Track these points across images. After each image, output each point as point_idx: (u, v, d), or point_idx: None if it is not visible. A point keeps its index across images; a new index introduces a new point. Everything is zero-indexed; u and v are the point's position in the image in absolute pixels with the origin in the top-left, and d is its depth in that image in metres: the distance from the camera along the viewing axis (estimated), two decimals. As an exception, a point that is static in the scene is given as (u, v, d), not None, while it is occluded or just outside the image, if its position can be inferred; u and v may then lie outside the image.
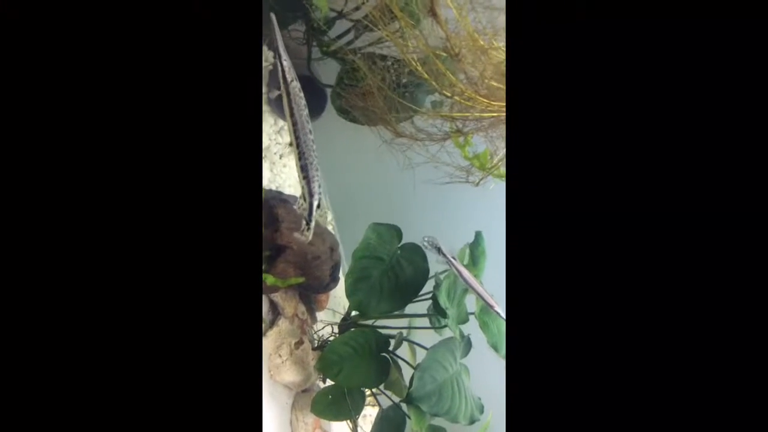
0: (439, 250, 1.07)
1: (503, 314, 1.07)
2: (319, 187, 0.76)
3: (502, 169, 0.85)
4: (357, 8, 0.92)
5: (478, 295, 1.06)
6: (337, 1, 0.93)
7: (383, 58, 0.88)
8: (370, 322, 1.21)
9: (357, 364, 1.06)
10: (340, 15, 0.97)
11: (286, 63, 0.72)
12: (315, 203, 0.76)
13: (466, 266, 1.06)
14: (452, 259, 1.06)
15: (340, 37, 1.01)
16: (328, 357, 1.04)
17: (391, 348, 1.13)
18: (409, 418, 1.04)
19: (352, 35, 0.98)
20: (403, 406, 1.09)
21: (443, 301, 1.02)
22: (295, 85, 0.74)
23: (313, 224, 0.78)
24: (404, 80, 0.89)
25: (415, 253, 1.11)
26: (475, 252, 1.12)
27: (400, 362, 1.14)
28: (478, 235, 1.14)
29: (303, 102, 0.75)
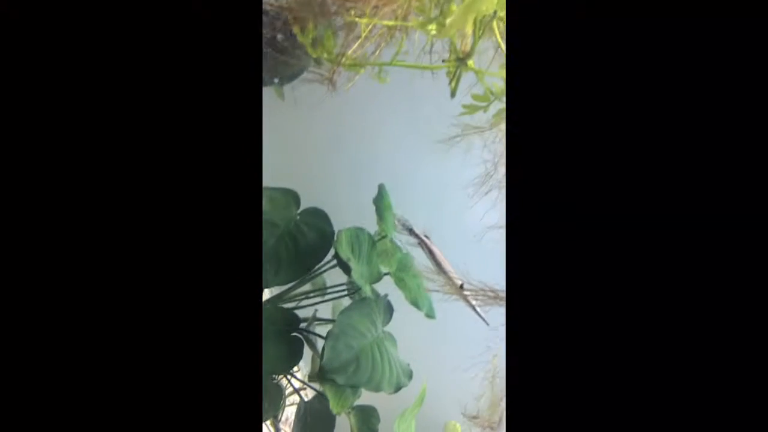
0: (411, 231, 1.01)
1: (478, 308, 0.98)
2: None
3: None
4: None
5: (450, 279, 0.98)
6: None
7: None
8: (293, 304, 1.08)
9: (264, 348, 0.92)
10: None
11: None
12: None
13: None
14: (425, 239, 0.99)
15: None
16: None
17: (304, 326, 1.00)
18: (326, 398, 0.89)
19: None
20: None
21: (344, 252, 0.91)
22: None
23: None
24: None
25: (317, 216, 1.01)
26: (380, 206, 1.03)
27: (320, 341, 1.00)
28: (381, 188, 1.05)
29: None
